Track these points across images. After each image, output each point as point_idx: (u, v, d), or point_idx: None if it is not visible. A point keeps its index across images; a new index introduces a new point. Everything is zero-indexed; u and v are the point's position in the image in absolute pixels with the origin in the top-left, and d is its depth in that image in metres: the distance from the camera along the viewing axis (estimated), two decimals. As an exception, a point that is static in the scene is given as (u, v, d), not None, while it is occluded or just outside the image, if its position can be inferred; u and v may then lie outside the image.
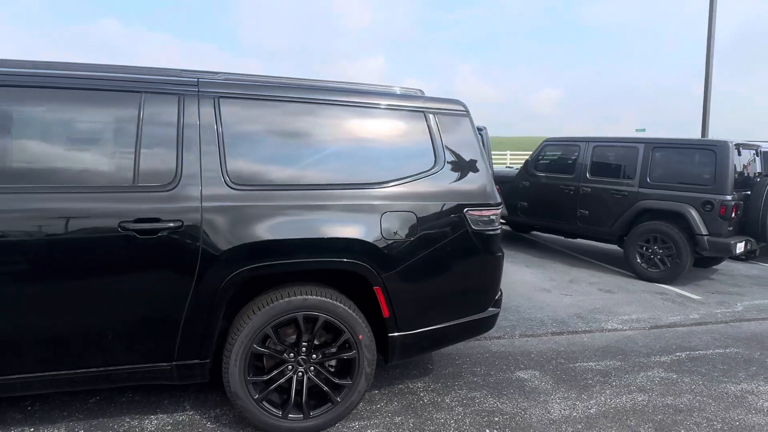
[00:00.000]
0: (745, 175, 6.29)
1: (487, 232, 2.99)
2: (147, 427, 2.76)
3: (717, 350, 4.21)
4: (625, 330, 4.64)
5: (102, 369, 2.47)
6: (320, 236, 2.63)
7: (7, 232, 2.25)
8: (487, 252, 3.02)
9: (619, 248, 7.15)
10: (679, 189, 6.22)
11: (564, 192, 7.31)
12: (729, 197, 5.86)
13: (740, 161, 6.19)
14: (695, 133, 13.48)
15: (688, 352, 4.14)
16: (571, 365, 3.80)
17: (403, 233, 2.78)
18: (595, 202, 6.96)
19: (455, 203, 2.91)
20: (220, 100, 2.63)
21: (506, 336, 4.34)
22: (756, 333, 4.67)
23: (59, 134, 2.42)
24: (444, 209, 2.88)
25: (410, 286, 2.81)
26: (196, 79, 2.65)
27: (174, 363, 2.57)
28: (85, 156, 2.43)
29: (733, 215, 5.90)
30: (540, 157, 7.87)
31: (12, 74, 2.38)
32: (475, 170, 3.02)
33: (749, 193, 6.19)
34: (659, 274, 6.33)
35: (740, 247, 5.96)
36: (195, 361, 2.59)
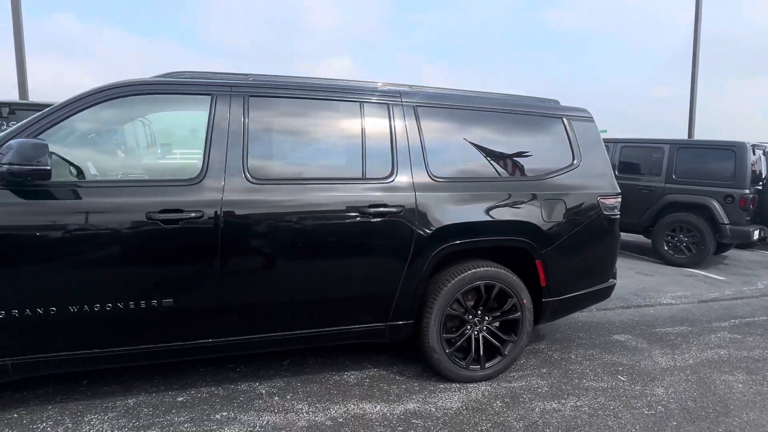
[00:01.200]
0: (757, 172, 7.20)
1: (612, 216, 3.67)
2: (349, 380, 3.32)
3: (761, 318, 5.01)
4: (679, 304, 5.41)
5: (343, 328, 3.03)
6: (502, 219, 3.25)
7: (287, 219, 2.79)
8: (612, 232, 3.70)
9: (645, 238, 7.99)
10: (702, 184, 7.08)
11: (593, 188, 8.09)
12: (747, 191, 6.75)
13: (752, 160, 7.09)
14: (654, 134, 14.62)
15: (739, 320, 4.93)
16: (652, 330, 4.52)
17: (557, 217, 3.42)
18: (623, 197, 7.75)
19: (591, 192, 3.57)
20: (418, 109, 3.22)
21: (586, 310, 5.03)
22: (785, 304, 5.52)
23: (312, 136, 2.97)
24: (585, 197, 3.54)
25: (560, 259, 3.46)
26: (398, 91, 3.23)
27: (388, 324, 3.14)
28: (331, 154, 2.99)
29: (750, 207, 6.79)
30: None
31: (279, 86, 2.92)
32: (603, 165, 3.70)
33: (760, 187, 7.11)
34: (685, 259, 7.18)
35: (756, 234, 6.86)
36: (403, 321, 3.17)
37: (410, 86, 3.34)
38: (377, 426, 2.79)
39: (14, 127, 2.58)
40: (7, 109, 4.90)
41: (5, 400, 2.91)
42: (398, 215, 3.01)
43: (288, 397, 3.08)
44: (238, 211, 2.71)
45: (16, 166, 2.28)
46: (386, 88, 3.23)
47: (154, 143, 2.86)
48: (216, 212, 2.66)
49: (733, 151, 6.90)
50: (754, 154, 7.02)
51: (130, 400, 2.96)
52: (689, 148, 7.33)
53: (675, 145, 7.44)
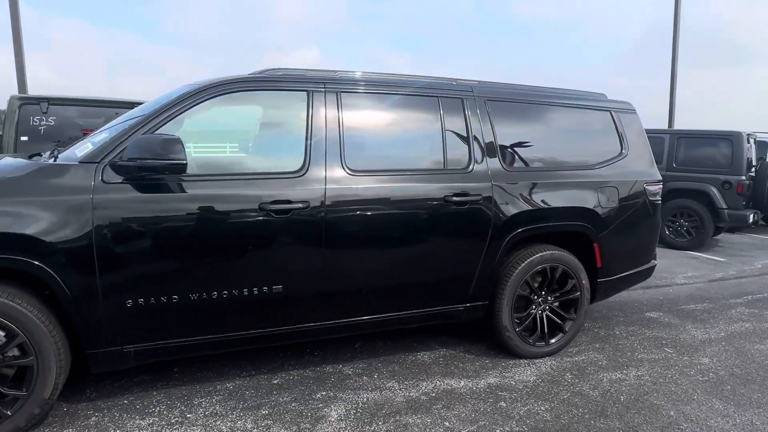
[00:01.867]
0: (750, 160, 7.69)
1: (656, 201, 3.96)
2: (424, 360, 3.52)
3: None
4: (692, 283, 5.80)
5: (427, 310, 3.24)
6: (566, 205, 3.49)
7: (381, 207, 2.96)
8: (655, 216, 4.00)
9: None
10: (701, 171, 7.52)
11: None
12: (744, 177, 7.22)
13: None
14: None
15: (750, 296, 5.34)
16: (678, 308, 4.87)
17: (611, 203, 3.69)
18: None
19: (638, 180, 3.85)
20: (488, 103, 3.42)
21: (612, 291, 5.36)
22: (786, 282, 5.98)
23: (397, 129, 3.15)
24: (633, 185, 3.82)
25: (613, 242, 3.73)
26: (470, 86, 3.42)
27: (467, 305, 3.36)
28: (414, 146, 3.17)
29: (747, 192, 7.26)
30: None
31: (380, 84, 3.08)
32: (647, 154, 3.98)
33: (753, 174, 7.60)
34: (686, 242, 7.63)
35: (751, 218, 7.34)
36: (480, 302, 3.39)
37: (479, 81, 3.54)
38: (468, 399, 3.00)
39: (126, 123, 2.67)
40: (47, 103, 4.87)
41: (108, 389, 3.00)
42: (478, 203, 3.22)
43: (375, 376, 3.26)
44: (339, 201, 2.87)
45: (150, 161, 2.38)
46: (460, 82, 3.42)
47: (255, 137, 2.98)
48: (321, 202, 2.82)
49: (730, 140, 7.36)
50: (748, 142, 7.49)
51: (228, 384, 3.10)
52: (689, 137, 7.76)
53: (675, 135, 7.86)
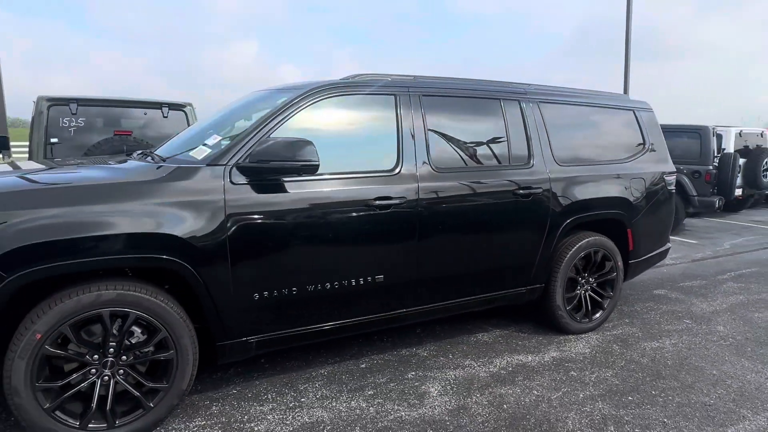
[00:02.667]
0: (713, 151, 8.51)
1: (672, 190, 4.46)
2: (486, 340, 3.85)
3: (746, 270, 6.13)
4: (678, 264, 6.44)
5: (496, 293, 3.56)
6: (607, 195, 3.91)
7: (463, 201, 3.24)
8: (672, 202, 4.50)
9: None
10: (674, 162, 8.24)
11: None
12: (711, 167, 8.00)
13: (710, 141, 8.38)
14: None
15: (732, 272, 6.01)
16: (678, 285, 5.45)
17: (640, 192, 4.14)
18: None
19: (660, 171, 4.33)
20: (540, 105, 3.77)
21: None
22: (756, 259, 6.74)
23: (469, 129, 3.44)
24: (656, 176, 4.29)
25: (642, 227, 4.19)
26: (524, 89, 3.75)
27: (528, 287, 3.70)
28: (484, 143, 3.47)
29: (713, 181, 8.06)
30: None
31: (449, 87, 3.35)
32: (663, 148, 4.47)
33: (716, 164, 8.42)
34: (661, 227, 8.35)
35: (717, 203, 8.15)
36: (538, 285, 3.75)
37: (528, 84, 3.88)
38: (542, 370, 3.35)
39: (244, 129, 2.81)
40: (76, 104, 4.77)
41: (209, 382, 3.13)
42: (539, 195, 3.56)
43: (450, 356, 3.55)
44: (430, 196, 3.13)
45: (282, 163, 2.56)
46: (515, 86, 3.75)
47: (353, 138, 3.17)
48: (415, 198, 3.07)
49: (699, 133, 8.13)
50: (713, 135, 8.30)
51: (321, 371, 3.30)
52: (663, 131, 8.46)
53: (649, 129, 8.56)
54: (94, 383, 2.40)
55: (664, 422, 2.79)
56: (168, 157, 2.92)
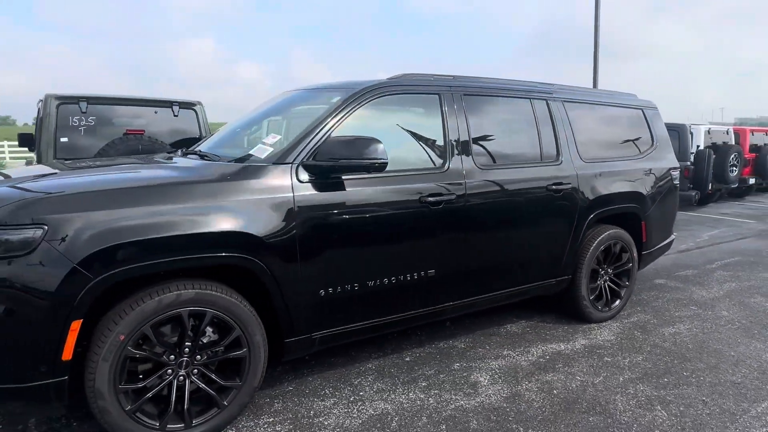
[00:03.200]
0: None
1: (677, 184, 4.73)
2: (516, 331, 3.99)
3: (731, 259, 6.53)
4: (668, 254, 6.77)
5: (530, 285, 3.70)
6: (625, 190, 4.12)
7: (505, 195, 3.37)
8: (677, 195, 4.77)
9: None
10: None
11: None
12: (689, 163, 8.45)
13: (686, 138, 8.86)
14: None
15: (718, 261, 6.39)
16: (675, 274, 5.76)
17: (651, 187, 4.37)
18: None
19: (668, 167, 4.58)
20: (565, 104, 3.93)
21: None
22: (735, 249, 7.17)
23: (505, 126, 3.56)
24: (663, 171, 4.54)
25: (653, 219, 4.42)
26: (551, 90, 3.91)
27: (557, 279, 3.86)
28: (518, 141, 3.61)
29: (691, 176, 8.52)
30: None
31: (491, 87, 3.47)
32: (668, 145, 4.73)
33: (692, 160, 8.91)
34: (643, 221, 8.77)
35: (695, 197, 8.62)
36: (566, 276, 3.92)
37: (552, 84, 4.04)
38: (578, 357, 3.52)
39: (302, 128, 2.84)
40: (86, 103, 4.61)
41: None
42: (568, 190, 3.73)
43: (486, 347, 3.67)
44: (476, 191, 3.24)
45: (351, 161, 2.60)
46: (542, 86, 3.90)
47: (403, 135, 3.23)
48: (463, 193, 3.17)
49: (677, 131, 8.56)
50: (690, 133, 8.76)
51: (369, 365, 3.36)
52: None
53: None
54: (171, 383, 2.39)
55: (704, 401, 2.99)
56: (223, 156, 2.91)
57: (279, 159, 2.67)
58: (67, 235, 2.10)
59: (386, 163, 2.68)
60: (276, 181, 2.59)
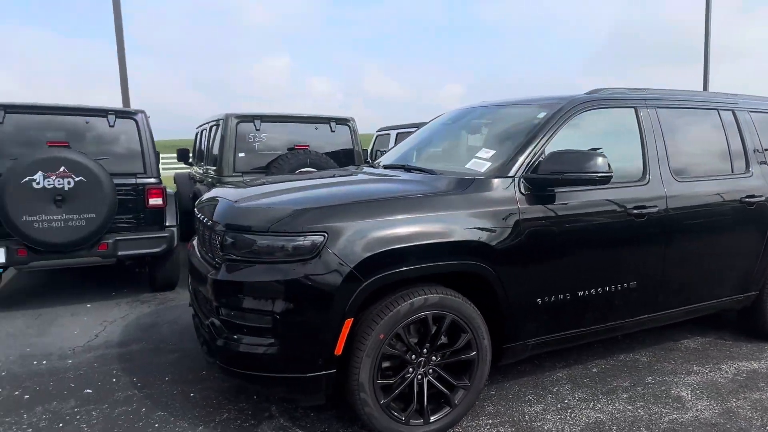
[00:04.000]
0: None
1: None
2: (694, 346, 3.89)
3: None
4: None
5: (722, 299, 3.62)
6: None
7: (701, 208, 3.33)
8: None
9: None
10: None
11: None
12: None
13: None
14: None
15: None
16: None
17: None
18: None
19: None
20: (750, 113, 3.82)
21: None
22: None
23: (694, 138, 3.54)
24: None
25: None
26: (735, 100, 3.82)
27: (744, 294, 3.73)
28: (708, 153, 3.56)
29: None
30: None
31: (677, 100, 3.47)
32: None
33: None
34: None
35: None
36: (753, 293, 3.77)
37: (735, 94, 3.94)
38: (777, 377, 3.39)
39: (515, 143, 2.98)
40: (260, 120, 5.06)
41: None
42: (761, 203, 3.61)
43: (672, 362, 3.61)
44: (675, 203, 3.23)
45: (575, 174, 2.69)
46: (727, 96, 3.82)
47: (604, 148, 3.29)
48: (664, 205, 3.17)
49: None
50: None
51: (559, 374, 3.41)
52: None
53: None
54: (412, 381, 2.58)
55: None
56: (436, 170, 3.12)
57: (500, 173, 2.82)
58: (343, 242, 2.35)
59: (611, 176, 2.75)
60: (502, 193, 2.74)
